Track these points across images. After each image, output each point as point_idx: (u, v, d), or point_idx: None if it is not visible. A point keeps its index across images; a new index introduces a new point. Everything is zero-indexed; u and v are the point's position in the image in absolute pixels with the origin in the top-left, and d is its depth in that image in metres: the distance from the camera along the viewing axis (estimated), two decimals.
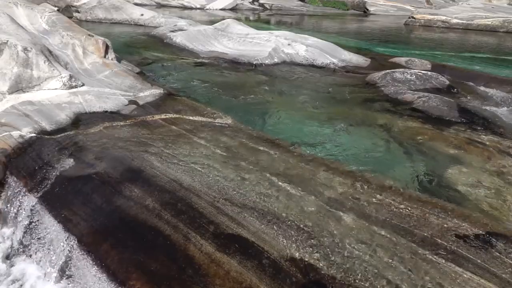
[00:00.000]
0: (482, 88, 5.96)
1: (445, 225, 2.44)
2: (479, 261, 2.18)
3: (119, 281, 2.12)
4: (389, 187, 2.84)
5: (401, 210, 2.58)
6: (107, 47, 5.37)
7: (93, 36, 5.40)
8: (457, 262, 2.15)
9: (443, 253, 2.21)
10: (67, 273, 2.35)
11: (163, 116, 3.98)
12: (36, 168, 2.97)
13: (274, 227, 2.39)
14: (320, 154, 3.59)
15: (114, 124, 3.70)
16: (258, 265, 2.13)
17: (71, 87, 4.31)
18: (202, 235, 2.31)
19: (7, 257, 2.65)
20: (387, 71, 6.22)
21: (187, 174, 2.90)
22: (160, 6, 17.79)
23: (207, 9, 18.07)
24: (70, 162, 3.03)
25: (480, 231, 2.41)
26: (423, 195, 2.82)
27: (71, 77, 4.36)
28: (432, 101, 4.97)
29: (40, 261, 2.54)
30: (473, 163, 3.52)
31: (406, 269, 2.10)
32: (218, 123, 3.93)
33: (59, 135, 3.42)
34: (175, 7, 17.99)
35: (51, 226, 2.54)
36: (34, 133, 3.40)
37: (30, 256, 2.60)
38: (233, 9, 18.79)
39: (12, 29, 4.49)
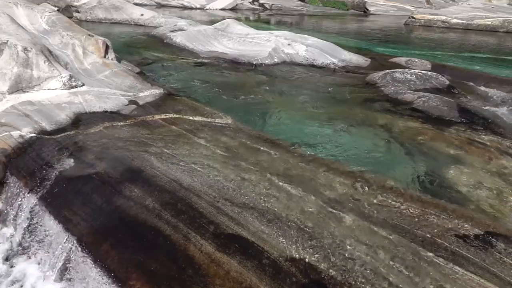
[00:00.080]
0: (482, 88, 5.96)
1: (447, 226, 2.44)
2: (481, 261, 2.18)
3: (119, 281, 2.12)
4: (390, 188, 2.84)
5: (402, 211, 2.57)
6: (107, 47, 5.37)
7: (93, 36, 5.40)
8: (458, 263, 2.15)
9: (444, 254, 2.21)
10: (67, 273, 2.35)
11: (163, 116, 3.98)
12: (36, 168, 2.97)
13: (274, 227, 2.39)
14: (321, 154, 3.59)
15: (114, 124, 3.70)
16: (258, 265, 2.13)
17: (71, 87, 4.31)
18: (202, 235, 2.31)
19: (7, 258, 2.65)
20: (387, 71, 6.22)
21: (187, 174, 2.90)
22: (160, 6, 17.79)
23: (207, 9, 18.07)
24: (70, 162, 3.03)
25: (482, 232, 2.41)
26: (424, 196, 2.82)
27: (71, 77, 4.36)
28: (432, 101, 4.96)
29: (40, 261, 2.54)
30: (474, 164, 3.52)
31: (407, 270, 2.09)
32: (218, 123, 3.93)
33: (59, 135, 3.42)
34: (175, 7, 17.99)
35: (51, 226, 2.54)
36: (34, 133, 3.40)
37: (30, 256, 2.60)
38: (233, 9, 18.79)
39: (12, 29, 4.49)
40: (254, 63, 7.03)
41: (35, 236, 2.61)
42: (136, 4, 13.44)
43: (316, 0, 23.04)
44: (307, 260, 2.16)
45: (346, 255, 2.19)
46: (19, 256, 2.64)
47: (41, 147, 3.21)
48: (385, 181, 2.93)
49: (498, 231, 2.43)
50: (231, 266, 2.12)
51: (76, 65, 4.98)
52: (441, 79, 5.99)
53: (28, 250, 2.62)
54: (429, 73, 6.17)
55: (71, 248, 2.36)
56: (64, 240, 2.41)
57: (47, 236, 2.55)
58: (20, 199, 2.80)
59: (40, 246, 2.56)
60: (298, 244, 2.26)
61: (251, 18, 16.81)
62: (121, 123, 3.74)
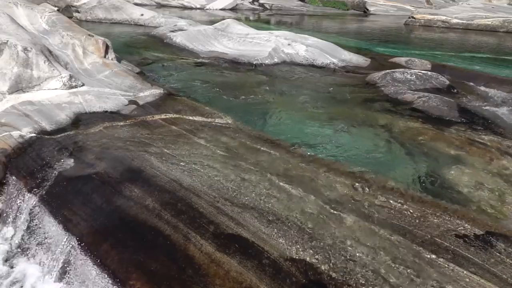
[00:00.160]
0: (482, 88, 5.96)
1: (448, 227, 2.44)
2: (483, 263, 2.17)
3: (119, 281, 2.12)
4: (390, 188, 2.83)
5: (403, 212, 2.57)
6: (107, 47, 5.37)
7: (93, 36, 5.40)
8: (459, 263, 2.15)
9: (445, 254, 2.21)
10: (67, 273, 2.34)
11: (163, 116, 3.98)
12: (36, 168, 2.97)
13: (275, 227, 2.39)
14: (321, 154, 3.58)
15: (114, 124, 3.70)
16: (258, 265, 2.13)
17: (71, 87, 4.31)
18: (202, 235, 2.31)
19: (7, 258, 2.65)
20: (387, 71, 6.22)
21: (187, 174, 2.89)
22: (160, 6, 17.78)
23: (207, 9, 18.07)
24: (70, 162, 3.03)
25: (484, 232, 2.40)
26: (425, 196, 2.81)
27: (71, 77, 4.35)
28: (432, 101, 4.96)
29: (40, 261, 2.53)
30: (474, 164, 3.51)
31: (408, 271, 2.09)
32: (218, 123, 3.93)
33: (59, 135, 3.42)
34: (175, 7, 17.98)
35: (51, 226, 2.54)
36: (34, 133, 3.40)
37: (30, 256, 2.60)
38: (233, 9, 18.79)
39: (12, 29, 4.48)
40: (254, 63, 7.03)
41: (35, 236, 2.61)
42: (136, 4, 13.44)
43: (316, 0, 23.04)
44: (307, 261, 2.16)
45: (347, 256, 2.19)
46: (19, 256, 2.64)
47: (41, 147, 3.21)
48: (386, 182, 2.93)
49: (500, 232, 2.42)
50: (231, 266, 2.12)
51: (76, 65, 4.98)
52: (441, 79, 5.99)
53: (28, 250, 2.62)
54: (429, 73, 6.17)
55: (71, 248, 2.36)
56: (64, 240, 2.41)
57: (47, 236, 2.55)
58: (20, 199, 2.80)
59: (40, 246, 2.56)
60: (298, 245, 2.26)
61: (251, 18, 16.81)
62: (121, 123, 3.73)
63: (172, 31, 8.94)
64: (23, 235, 2.67)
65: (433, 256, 2.19)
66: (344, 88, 5.85)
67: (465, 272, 2.09)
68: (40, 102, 3.92)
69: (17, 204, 2.80)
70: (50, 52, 4.65)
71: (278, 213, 2.51)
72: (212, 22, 9.74)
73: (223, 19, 9.18)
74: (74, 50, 5.19)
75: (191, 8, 18.05)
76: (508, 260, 2.20)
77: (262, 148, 3.37)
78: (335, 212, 2.54)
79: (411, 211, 2.57)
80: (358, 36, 12.48)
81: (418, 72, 6.16)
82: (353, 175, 2.99)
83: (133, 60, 6.45)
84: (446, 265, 2.13)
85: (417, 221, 2.48)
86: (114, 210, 2.54)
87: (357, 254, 2.20)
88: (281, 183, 2.82)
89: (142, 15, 11.70)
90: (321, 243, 2.27)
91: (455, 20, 15.47)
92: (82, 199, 2.65)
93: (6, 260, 2.63)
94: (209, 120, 3.99)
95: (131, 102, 4.29)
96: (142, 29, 10.58)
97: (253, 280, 2.05)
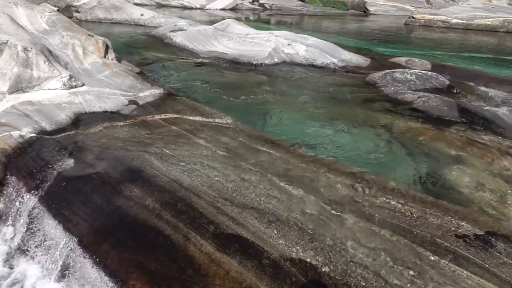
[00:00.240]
0: (482, 88, 5.96)
1: (449, 227, 2.43)
2: (483, 263, 2.17)
3: (119, 281, 2.12)
4: (391, 189, 2.83)
5: (404, 212, 2.57)
6: (107, 47, 5.37)
7: (93, 36, 5.40)
8: (458, 262, 2.15)
9: (446, 255, 2.20)
10: (67, 273, 2.34)
11: (163, 116, 3.97)
12: (36, 168, 2.97)
13: (275, 228, 2.39)
14: (321, 155, 3.58)
15: (114, 124, 3.69)
16: (258, 265, 2.13)
17: (71, 87, 4.31)
18: (202, 235, 2.30)
19: (8, 258, 2.64)
20: (387, 71, 6.22)
21: (187, 174, 2.89)
22: (160, 6, 17.78)
23: (207, 9, 18.07)
24: (70, 162, 3.02)
25: (485, 233, 2.40)
26: (426, 197, 2.80)
27: (71, 77, 4.35)
28: (432, 101, 4.96)
29: (40, 261, 2.53)
30: (475, 164, 3.51)
31: (409, 272, 2.09)
32: (218, 123, 3.92)
33: (59, 135, 3.42)
34: (175, 7, 17.98)
35: (51, 226, 2.53)
36: (34, 133, 3.40)
37: (31, 256, 2.59)
38: (233, 9, 18.79)
39: (12, 29, 4.48)
40: (254, 63, 7.03)
41: (35, 236, 2.60)
42: (136, 4, 13.44)
43: (316, 0, 23.04)
44: (307, 261, 2.16)
45: (347, 256, 2.19)
46: (19, 256, 2.63)
47: (41, 147, 3.21)
48: (386, 182, 2.92)
49: (501, 233, 2.42)
50: (231, 266, 2.12)
51: (76, 65, 4.98)
52: (441, 79, 5.99)
53: (28, 250, 2.61)
54: (429, 73, 6.17)
55: (71, 248, 2.36)
56: (64, 240, 2.41)
57: (47, 236, 2.54)
58: (20, 199, 2.79)
59: (40, 246, 2.56)
60: (298, 245, 2.26)
61: (251, 18, 16.81)
62: (121, 123, 3.73)
63: (172, 31, 8.94)
64: (23, 236, 2.66)
65: (435, 257, 2.18)
66: (344, 88, 5.85)
67: (465, 272, 2.09)
68: (40, 102, 3.91)
69: (17, 204, 2.79)
70: (50, 52, 4.65)
71: (278, 213, 2.51)
72: (212, 22, 9.74)
73: (223, 19, 9.18)
74: (74, 50, 5.19)
75: (191, 8, 18.05)
76: (508, 260, 2.19)
77: (262, 148, 3.36)
78: (335, 212, 2.54)
79: (412, 211, 2.57)
80: (358, 36, 12.48)
81: (418, 72, 6.16)
82: (354, 176, 2.99)
83: (133, 60, 6.44)
84: (448, 267, 2.12)
85: (418, 221, 2.47)
86: (114, 210, 2.54)
87: (358, 255, 2.19)
88: (281, 184, 2.82)
89: (142, 15, 11.70)
90: (322, 244, 2.27)
91: (455, 20, 15.47)
92: (82, 199, 2.65)
93: (6, 260, 2.62)
94: (209, 120, 3.98)
95: (131, 102, 4.29)
96: (142, 29, 10.58)
97: (253, 280, 2.04)
